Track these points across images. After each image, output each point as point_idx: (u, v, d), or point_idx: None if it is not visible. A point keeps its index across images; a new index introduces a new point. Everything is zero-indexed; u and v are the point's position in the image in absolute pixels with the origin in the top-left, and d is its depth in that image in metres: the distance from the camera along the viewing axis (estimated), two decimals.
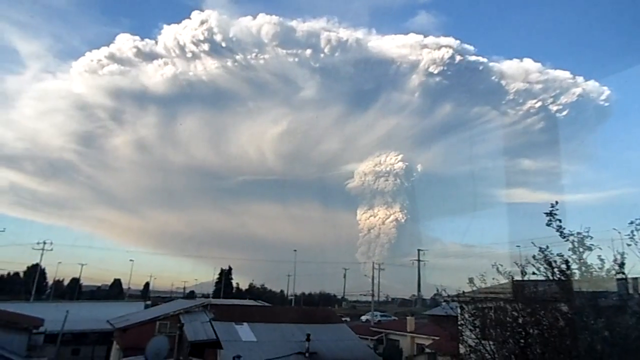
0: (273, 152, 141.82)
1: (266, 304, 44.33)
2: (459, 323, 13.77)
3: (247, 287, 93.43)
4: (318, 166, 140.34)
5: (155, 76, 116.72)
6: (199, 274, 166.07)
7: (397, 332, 39.62)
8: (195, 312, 29.63)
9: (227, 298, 65.49)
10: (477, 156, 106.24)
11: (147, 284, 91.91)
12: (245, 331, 27.11)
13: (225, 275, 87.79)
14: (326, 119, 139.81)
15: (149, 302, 51.39)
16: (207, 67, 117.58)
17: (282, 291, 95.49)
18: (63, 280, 79.90)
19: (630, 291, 11.61)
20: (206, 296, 75.27)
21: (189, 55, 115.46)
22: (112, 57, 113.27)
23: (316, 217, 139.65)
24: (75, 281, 77.86)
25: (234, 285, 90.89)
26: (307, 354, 25.59)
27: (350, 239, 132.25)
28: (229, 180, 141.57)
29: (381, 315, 62.95)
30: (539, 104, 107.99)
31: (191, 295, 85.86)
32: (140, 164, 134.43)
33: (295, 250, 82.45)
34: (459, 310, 14.15)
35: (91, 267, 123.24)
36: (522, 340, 11.70)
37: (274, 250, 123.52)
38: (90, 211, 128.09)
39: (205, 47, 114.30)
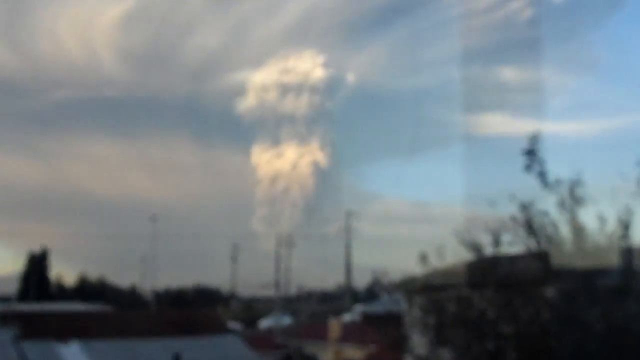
0: (111, 50, 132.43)
1: (108, 309, 43.83)
2: (405, 323, 14.63)
3: (75, 281, 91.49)
4: (188, 74, 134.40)
5: None
6: None
7: (316, 342, 41.29)
8: None
9: (43, 301, 63.67)
10: (436, 61, 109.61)
11: None
12: (74, 354, 26.71)
13: (38, 264, 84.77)
14: None
15: None
16: None
17: (133, 286, 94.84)
18: None
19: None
20: (6, 300, 72.61)
21: None
22: None
23: (187, 160, 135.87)
24: None
25: (53, 279, 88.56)
26: None
27: (243, 196, 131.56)
28: (35, 99, 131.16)
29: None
30: None
31: None
32: None
33: (153, 218, 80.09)
34: (405, 305, 15.13)
35: None
36: (492, 343, 12.61)
37: (119, 219, 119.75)
38: None
39: None
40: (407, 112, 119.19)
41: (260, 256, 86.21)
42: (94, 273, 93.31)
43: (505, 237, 12.92)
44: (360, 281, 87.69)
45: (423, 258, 14.06)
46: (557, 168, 12.45)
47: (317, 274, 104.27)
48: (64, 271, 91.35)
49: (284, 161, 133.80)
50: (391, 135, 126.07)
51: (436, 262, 14.02)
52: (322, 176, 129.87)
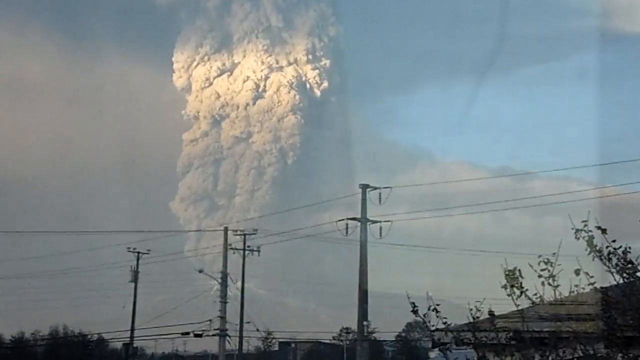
0: None
1: None
2: None
3: None
4: None
5: None
6: None
7: None
8: None
9: None
10: None
11: None
12: None
13: None
14: None
15: None
16: None
17: None
18: None
19: None
20: None
21: None
22: None
23: (32, 75, 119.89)
24: None
25: None
26: None
27: (153, 150, 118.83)
28: None
29: None
30: None
31: None
32: None
33: None
34: None
35: None
36: None
37: None
38: None
39: None
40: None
41: (190, 271, 78.88)
42: None
43: None
44: (387, 322, 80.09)
45: (512, 279, 12.19)
46: None
47: (303, 308, 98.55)
48: None
49: (238, 85, 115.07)
50: (451, 33, 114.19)
51: (538, 290, 12.17)
52: (315, 113, 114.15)
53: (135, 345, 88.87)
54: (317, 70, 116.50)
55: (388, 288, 76.32)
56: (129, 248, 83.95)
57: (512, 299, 12.28)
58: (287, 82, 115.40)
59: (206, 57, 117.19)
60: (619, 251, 11.54)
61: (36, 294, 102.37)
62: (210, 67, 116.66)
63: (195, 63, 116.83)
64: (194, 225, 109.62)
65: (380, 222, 69.09)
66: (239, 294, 77.47)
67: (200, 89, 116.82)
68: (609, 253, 11.59)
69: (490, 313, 12.71)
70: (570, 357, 12.18)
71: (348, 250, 75.28)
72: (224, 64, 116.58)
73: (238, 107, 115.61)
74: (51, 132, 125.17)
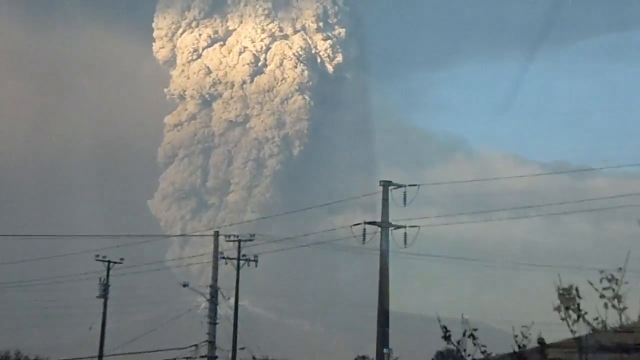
0: None
1: None
2: None
3: None
4: None
5: None
6: None
7: None
8: None
9: None
10: None
11: None
12: None
13: None
14: None
15: None
16: None
17: None
18: None
19: None
20: None
21: None
22: None
23: None
24: None
25: None
26: None
27: (129, 137, 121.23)
28: None
29: None
30: None
31: None
32: None
33: None
34: None
35: None
36: None
37: None
38: None
39: None
40: None
41: (169, 286, 79.87)
42: None
43: None
44: (412, 350, 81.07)
45: (568, 299, 11.78)
46: None
47: (309, 331, 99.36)
48: None
49: (233, 54, 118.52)
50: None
51: (600, 311, 11.75)
52: (327, 92, 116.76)
53: None
54: (329, 41, 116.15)
55: (414, 308, 76.70)
56: (97, 256, 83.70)
57: (567, 324, 11.85)
58: (293, 54, 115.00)
59: (194, 23, 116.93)
60: None
61: None
62: (199, 35, 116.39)
63: (180, 30, 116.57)
64: (177, 228, 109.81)
65: (405, 227, 68.71)
66: (232, 313, 77.68)
67: (186, 63, 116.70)
68: None
69: (540, 341, 12.49)
70: None
71: (365, 261, 75.78)
72: (215, 32, 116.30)
73: (233, 84, 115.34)
74: (6, 113, 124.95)
